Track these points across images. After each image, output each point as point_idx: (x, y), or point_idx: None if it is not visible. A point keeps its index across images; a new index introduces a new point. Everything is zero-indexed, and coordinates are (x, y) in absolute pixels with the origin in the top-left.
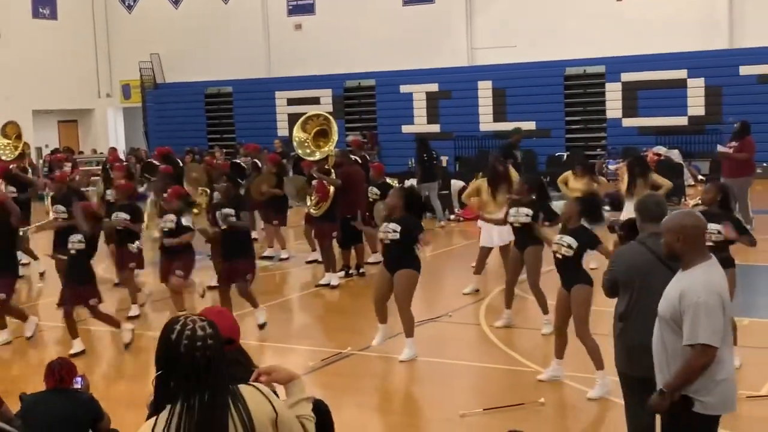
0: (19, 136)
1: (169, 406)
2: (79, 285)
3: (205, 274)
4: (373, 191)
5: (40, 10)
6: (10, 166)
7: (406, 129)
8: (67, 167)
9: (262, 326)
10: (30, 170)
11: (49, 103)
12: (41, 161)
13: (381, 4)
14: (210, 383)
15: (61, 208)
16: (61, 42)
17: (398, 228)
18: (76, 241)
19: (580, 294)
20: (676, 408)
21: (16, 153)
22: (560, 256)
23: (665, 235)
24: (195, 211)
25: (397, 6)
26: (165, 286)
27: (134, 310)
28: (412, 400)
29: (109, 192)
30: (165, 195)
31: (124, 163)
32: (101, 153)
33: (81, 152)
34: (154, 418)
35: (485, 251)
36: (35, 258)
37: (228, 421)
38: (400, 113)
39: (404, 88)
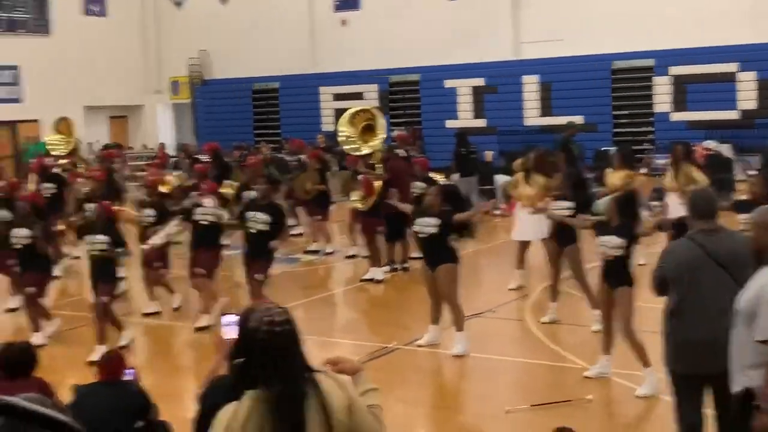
0: (71, 133)
1: (247, 394)
2: (102, 283)
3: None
4: (418, 186)
5: (90, 7)
6: (60, 161)
7: (450, 124)
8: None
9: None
10: (81, 166)
11: (100, 99)
12: (92, 157)
13: None
14: (287, 370)
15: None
16: (112, 39)
17: (436, 222)
18: (97, 242)
19: (625, 295)
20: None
21: (69, 149)
22: (611, 258)
23: (756, 230)
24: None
25: (442, 0)
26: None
27: (154, 307)
28: (458, 396)
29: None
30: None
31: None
32: (151, 148)
33: (131, 148)
34: (233, 404)
35: (522, 245)
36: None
37: (306, 408)
38: (444, 108)
39: (449, 83)
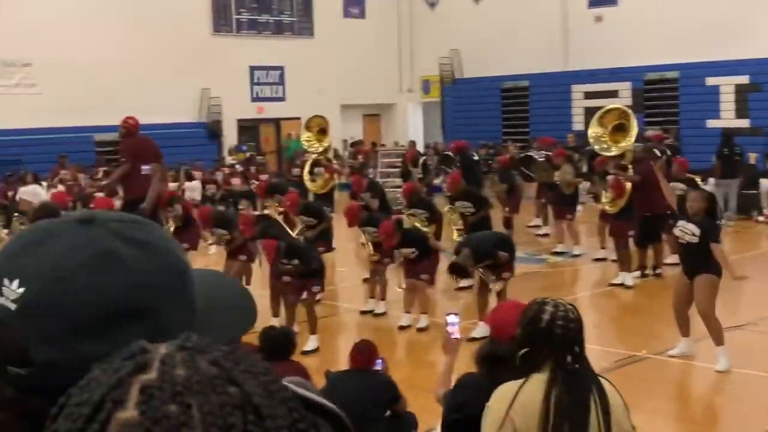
0: (322, 130)
1: (533, 375)
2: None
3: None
4: (678, 187)
5: (351, 9)
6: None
7: (711, 124)
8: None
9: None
10: (334, 162)
11: (355, 98)
12: (346, 153)
13: None
14: (576, 364)
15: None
16: (369, 39)
17: (697, 231)
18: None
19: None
20: None
21: (321, 147)
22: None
23: None
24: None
25: None
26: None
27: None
28: (711, 411)
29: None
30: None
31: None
32: (402, 146)
33: (383, 145)
34: (515, 382)
35: None
36: None
37: (591, 404)
38: (705, 107)
39: (710, 81)
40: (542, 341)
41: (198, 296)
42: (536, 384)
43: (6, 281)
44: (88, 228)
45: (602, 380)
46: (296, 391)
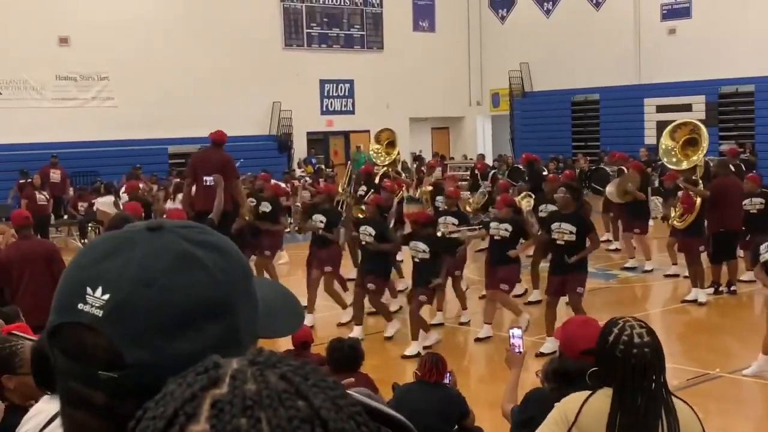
0: (391, 143)
1: (599, 391)
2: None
3: None
4: (757, 203)
5: (420, 23)
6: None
7: None
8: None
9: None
10: (403, 174)
11: (424, 111)
12: (414, 165)
13: (764, 4)
14: (645, 388)
15: (320, 217)
16: (438, 53)
17: None
18: (366, 234)
19: None
20: None
21: (389, 160)
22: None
23: None
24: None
25: None
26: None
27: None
28: None
29: (439, 198)
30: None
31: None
32: (470, 159)
33: (452, 158)
34: (582, 393)
35: None
36: None
37: (658, 428)
38: None
39: None
40: (617, 365)
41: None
42: (603, 399)
43: (89, 289)
44: (160, 234)
45: (681, 405)
46: (365, 402)
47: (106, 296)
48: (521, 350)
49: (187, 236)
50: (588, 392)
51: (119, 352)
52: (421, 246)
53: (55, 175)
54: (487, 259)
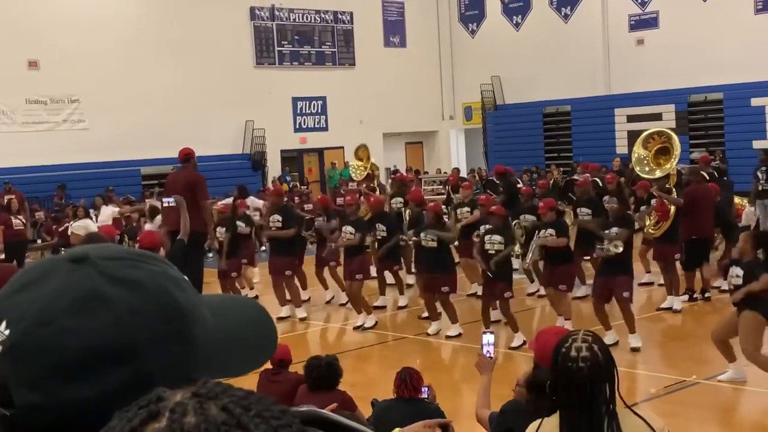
0: (368, 158)
1: (551, 416)
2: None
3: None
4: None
5: (391, 39)
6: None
7: (757, 144)
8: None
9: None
10: (378, 190)
11: (397, 126)
12: (389, 181)
13: (730, 13)
14: (585, 405)
15: (277, 217)
16: (409, 68)
17: (741, 273)
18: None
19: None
20: None
21: (364, 174)
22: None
23: None
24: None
25: (748, 14)
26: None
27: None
28: None
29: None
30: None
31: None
32: (445, 173)
33: (426, 172)
34: (537, 422)
35: None
36: None
37: None
38: (751, 128)
39: (756, 101)
40: (559, 381)
41: (210, 328)
42: (553, 422)
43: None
44: (78, 268)
45: (634, 421)
46: (334, 419)
47: (8, 332)
48: (492, 355)
49: (107, 270)
50: (539, 420)
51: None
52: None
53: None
54: (545, 263)
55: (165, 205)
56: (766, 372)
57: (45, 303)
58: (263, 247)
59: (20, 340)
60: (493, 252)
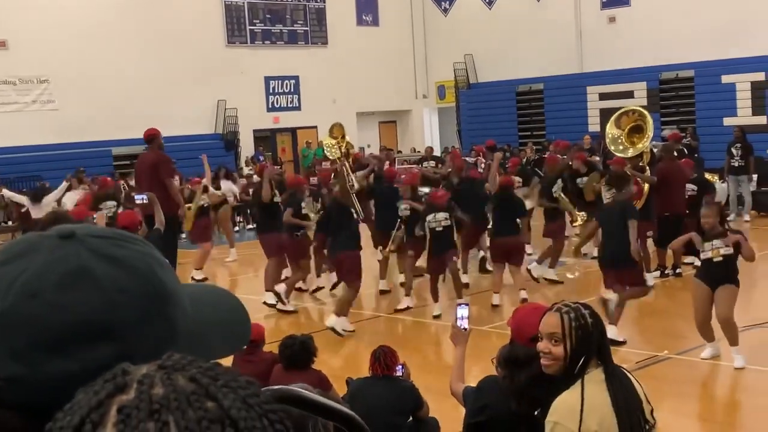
0: (343, 137)
1: (585, 379)
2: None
3: None
4: (689, 188)
5: (364, 17)
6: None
7: (728, 121)
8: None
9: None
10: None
11: (370, 105)
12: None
13: None
14: (610, 357)
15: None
16: (382, 47)
17: (723, 246)
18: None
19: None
20: None
21: (338, 153)
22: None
23: None
24: None
25: None
26: None
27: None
28: (736, 410)
29: None
30: None
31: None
32: (418, 151)
33: (399, 151)
34: (574, 391)
35: None
36: None
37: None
38: (721, 105)
39: (726, 78)
40: (584, 344)
41: (189, 315)
42: (593, 388)
43: None
44: (67, 244)
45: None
46: (307, 396)
47: None
48: (466, 327)
49: (96, 248)
50: (578, 390)
51: None
52: None
53: None
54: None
55: (138, 202)
56: (727, 335)
57: (33, 275)
58: (236, 228)
59: (7, 311)
60: (441, 229)
